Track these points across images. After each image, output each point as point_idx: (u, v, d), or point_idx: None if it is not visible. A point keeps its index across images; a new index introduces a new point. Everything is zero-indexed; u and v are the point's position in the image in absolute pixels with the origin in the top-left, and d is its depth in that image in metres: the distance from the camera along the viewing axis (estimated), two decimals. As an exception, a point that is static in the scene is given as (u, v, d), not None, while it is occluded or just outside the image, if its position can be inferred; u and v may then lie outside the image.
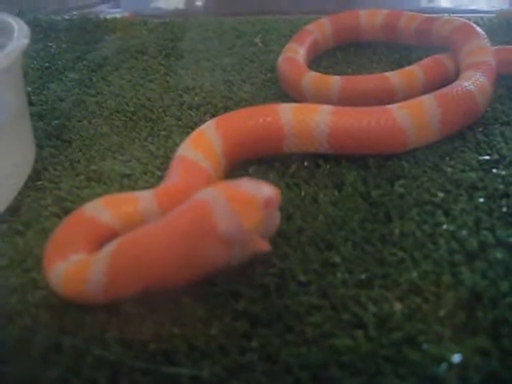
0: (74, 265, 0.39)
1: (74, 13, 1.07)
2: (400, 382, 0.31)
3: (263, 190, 0.39)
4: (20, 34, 0.52)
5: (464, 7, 1.02)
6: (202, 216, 0.37)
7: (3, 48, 0.50)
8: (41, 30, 0.95)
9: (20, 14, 0.98)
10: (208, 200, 0.38)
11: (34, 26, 0.94)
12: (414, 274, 0.38)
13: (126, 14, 1.05)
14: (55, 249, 0.40)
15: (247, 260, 0.39)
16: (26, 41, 0.51)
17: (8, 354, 0.36)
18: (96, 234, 0.41)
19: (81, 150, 0.59)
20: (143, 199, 0.43)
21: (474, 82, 0.53)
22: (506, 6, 1.04)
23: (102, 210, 0.43)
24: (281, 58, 0.68)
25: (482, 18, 0.83)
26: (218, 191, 0.38)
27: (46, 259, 0.40)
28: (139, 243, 0.38)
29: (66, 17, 1.02)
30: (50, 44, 0.89)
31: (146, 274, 0.37)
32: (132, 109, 0.66)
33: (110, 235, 0.41)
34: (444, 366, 0.32)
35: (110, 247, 0.38)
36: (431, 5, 1.04)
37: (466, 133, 0.53)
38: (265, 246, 0.38)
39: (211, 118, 0.56)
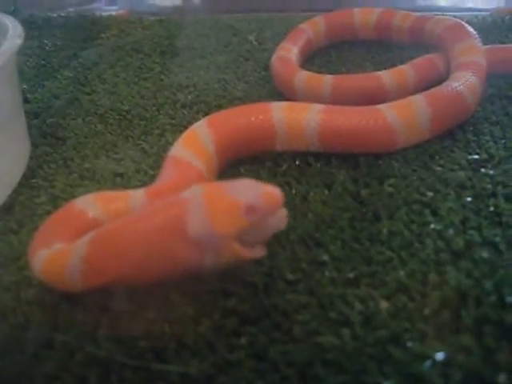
0: (55, 251, 0.39)
1: (70, 10, 1.07)
2: (384, 380, 0.32)
3: (252, 195, 0.36)
4: (13, 34, 0.52)
5: (460, 5, 1.02)
6: (176, 213, 0.36)
7: (-2, 47, 0.50)
8: (36, 27, 0.95)
9: (15, 11, 0.99)
10: (188, 198, 0.37)
11: (30, 23, 0.95)
12: (401, 273, 0.39)
13: (122, 11, 1.05)
14: (41, 238, 0.41)
15: (231, 266, 0.38)
16: (19, 41, 0.51)
17: (0, 350, 0.37)
18: (83, 228, 0.41)
19: (75, 148, 0.59)
20: (134, 197, 0.44)
21: (465, 82, 0.53)
22: (502, 4, 1.04)
23: (92, 204, 0.43)
24: (274, 57, 0.69)
25: (476, 17, 0.84)
26: (201, 191, 0.37)
27: (31, 248, 0.41)
28: (116, 233, 0.38)
29: (62, 14, 1.02)
30: (46, 41, 0.90)
31: (119, 263, 0.37)
32: (126, 107, 0.66)
33: None
34: (428, 363, 0.32)
35: (90, 235, 0.39)
36: (427, 3, 1.05)
37: (455, 132, 0.54)
38: (254, 254, 0.37)
39: (204, 116, 0.56)
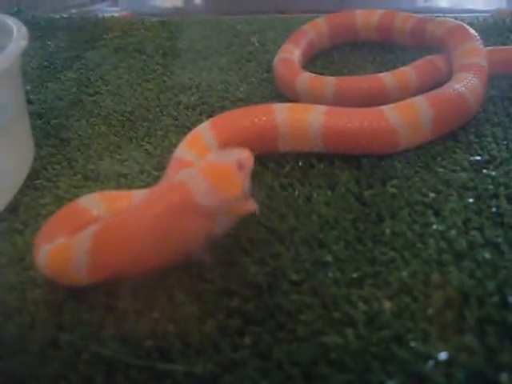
0: (58, 245, 0.40)
1: (73, 11, 1.07)
2: (388, 379, 0.32)
3: (233, 155, 0.40)
4: (18, 36, 0.52)
5: (460, 7, 1.02)
6: (182, 195, 0.38)
7: (2, 49, 0.50)
8: (39, 29, 0.95)
9: (18, 12, 1.00)
10: (185, 179, 0.39)
11: (33, 24, 0.95)
12: (404, 273, 0.39)
13: (124, 12, 1.06)
14: (45, 235, 0.42)
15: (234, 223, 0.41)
16: (24, 43, 0.52)
17: (7, 350, 0.37)
18: (87, 226, 0.41)
19: (79, 150, 0.60)
20: (138, 197, 0.44)
21: (466, 84, 0.53)
22: (503, 5, 1.04)
23: (96, 203, 0.44)
24: (276, 59, 0.69)
25: (477, 18, 0.84)
26: (194, 170, 0.40)
27: (35, 245, 0.41)
28: (121, 224, 0.39)
29: (65, 15, 1.02)
30: (49, 43, 0.90)
31: (127, 252, 0.38)
32: (129, 108, 0.67)
33: None
34: (431, 363, 0.32)
35: (92, 228, 0.39)
36: (427, 4, 1.05)
37: (457, 133, 0.54)
38: (251, 206, 0.40)
39: (207, 117, 0.57)
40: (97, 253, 0.38)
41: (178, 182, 0.39)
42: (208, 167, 0.40)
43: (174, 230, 0.38)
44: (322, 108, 0.52)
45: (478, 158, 0.51)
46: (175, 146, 0.51)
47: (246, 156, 0.41)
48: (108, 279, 0.38)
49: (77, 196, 0.50)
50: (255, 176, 0.51)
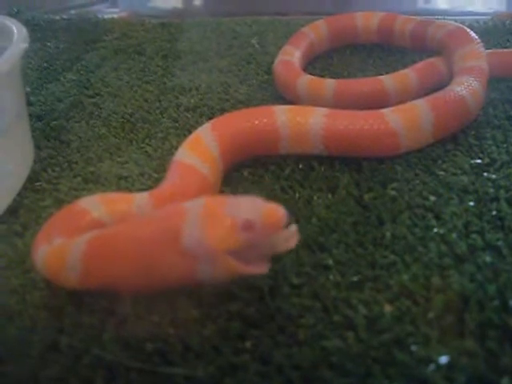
0: (55, 246, 0.40)
1: (73, 12, 1.07)
2: (388, 383, 0.32)
3: (252, 212, 0.35)
4: (19, 38, 0.52)
5: (460, 9, 1.02)
6: (173, 223, 0.36)
7: (2, 51, 0.50)
8: (39, 30, 0.95)
9: (18, 13, 1.00)
10: (187, 209, 0.37)
11: (33, 25, 0.95)
12: (405, 277, 0.39)
13: (124, 13, 1.06)
14: (44, 235, 0.42)
15: (230, 280, 0.37)
16: (24, 45, 0.51)
17: (7, 353, 0.37)
18: (86, 227, 0.41)
19: (79, 152, 0.59)
20: (138, 200, 0.44)
21: (467, 87, 0.53)
22: (503, 8, 1.05)
23: (96, 204, 0.44)
24: (277, 61, 0.69)
25: (477, 21, 0.84)
26: (203, 203, 0.37)
27: (34, 245, 0.41)
28: (112, 238, 0.39)
29: (65, 16, 1.03)
30: (49, 44, 0.90)
31: (113, 269, 0.38)
32: (129, 110, 0.67)
33: None
34: (431, 367, 0.32)
35: (89, 235, 0.39)
36: (428, 6, 1.05)
37: (458, 136, 0.54)
38: (249, 270, 0.36)
39: (208, 120, 0.57)
40: (88, 260, 0.38)
41: (181, 210, 0.37)
42: (213, 209, 0.36)
43: (153, 256, 0.36)
44: (322, 110, 0.52)
45: (479, 160, 0.51)
46: (175, 148, 0.51)
47: (267, 219, 0.35)
48: (99, 287, 0.38)
49: (77, 198, 0.50)
50: (255, 179, 0.51)
